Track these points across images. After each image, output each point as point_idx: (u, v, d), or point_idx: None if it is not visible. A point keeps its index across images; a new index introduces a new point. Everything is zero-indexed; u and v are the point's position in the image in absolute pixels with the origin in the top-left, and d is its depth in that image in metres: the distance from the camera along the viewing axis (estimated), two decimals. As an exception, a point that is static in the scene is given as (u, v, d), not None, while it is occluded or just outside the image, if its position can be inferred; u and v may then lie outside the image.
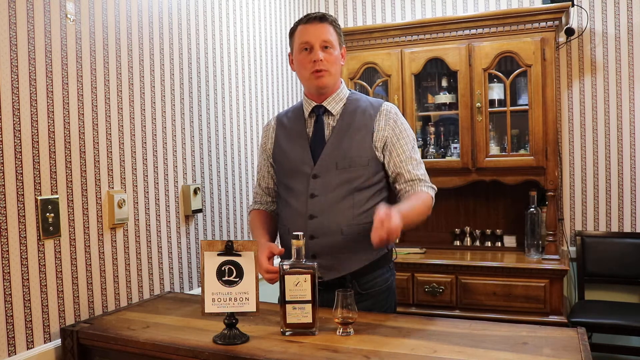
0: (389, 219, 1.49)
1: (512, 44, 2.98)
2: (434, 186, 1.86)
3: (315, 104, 1.85)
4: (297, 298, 1.48)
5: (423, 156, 3.22)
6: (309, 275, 1.48)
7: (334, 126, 1.83)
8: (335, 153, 1.79)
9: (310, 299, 1.48)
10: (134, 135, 2.07)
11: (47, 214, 1.69)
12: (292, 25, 1.89)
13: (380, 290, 1.85)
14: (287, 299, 1.49)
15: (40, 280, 1.68)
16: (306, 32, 1.79)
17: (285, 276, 1.49)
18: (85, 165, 1.85)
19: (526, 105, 3.02)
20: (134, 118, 2.06)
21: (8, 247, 1.59)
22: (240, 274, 1.50)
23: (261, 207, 2.00)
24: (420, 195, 1.79)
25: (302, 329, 1.51)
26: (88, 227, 1.86)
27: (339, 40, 1.84)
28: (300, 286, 1.48)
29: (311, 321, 1.50)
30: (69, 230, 1.78)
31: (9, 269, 1.59)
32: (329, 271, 1.77)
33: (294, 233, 1.54)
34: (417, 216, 1.74)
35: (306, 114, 1.87)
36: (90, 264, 1.86)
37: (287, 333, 1.52)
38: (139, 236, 2.08)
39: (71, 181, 1.80)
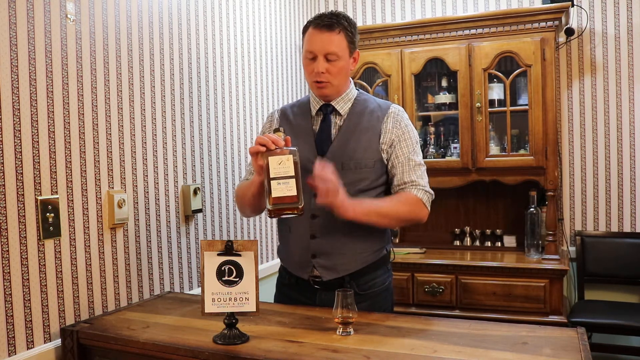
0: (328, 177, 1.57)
1: (512, 44, 2.98)
2: (430, 191, 1.80)
3: (324, 102, 1.83)
4: (281, 174, 1.52)
5: (423, 156, 3.21)
6: (291, 156, 1.54)
7: (340, 126, 1.81)
8: (341, 153, 1.77)
9: (293, 175, 1.52)
10: (134, 135, 2.07)
11: (47, 214, 1.69)
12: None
13: (378, 291, 1.84)
14: (272, 176, 1.52)
15: (40, 280, 1.68)
16: (313, 41, 1.74)
17: (270, 157, 1.53)
18: (85, 165, 1.85)
19: (526, 105, 3.02)
20: (134, 118, 2.06)
21: (8, 247, 1.59)
22: (240, 274, 1.50)
23: None
24: (402, 194, 1.76)
25: (287, 204, 1.52)
26: (88, 227, 1.86)
27: (349, 47, 1.76)
28: (283, 165, 1.52)
29: (295, 194, 1.51)
30: (69, 230, 1.78)
31: (9, 269, 1.59)
32: (328, 271, 1.77)
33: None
34: (386, 212, 1.72)
35: (313, 111, 1.85)
36: (90, 264, 1.86)
37: (273, 213, 1.53)
38: (139, 236, 2.08)
39: (71, 181, 1.80)
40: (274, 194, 1.51)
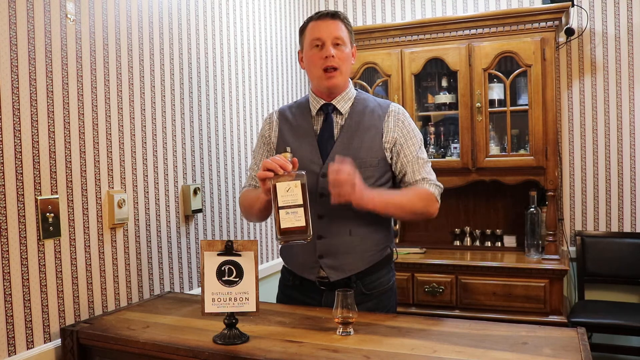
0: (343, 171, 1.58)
1: (512, 44, 2.98)
2: (439, 184, 1.85)
3: (324, 102, 1.83)
4: (290, 203, 1.50)
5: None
6: (299, 182, 1.52)
7: (342, 125, 1.81)
8: (345, 153, 1.76)
9: (301, 203, 1.50)
10: (134, 135, 2.07)
11: (47, 214, 1.69)
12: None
13: (383, 290, 1.85)
14: (280, 205, 1.51)
15: (40, 280, 1.68)
16: (318, 29, 1.77)
17: (277, 184, 1.51)
18: (85, 165, 1.85)
19: (526, 105, 3.02)
20: (134, 118, 2.06)
21: (8, 247, 1.59)
22: (240, 274, 1.50)
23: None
24: (417, 188, 1.80)
25: (296, 233, 1.51)
26: (88, 227, 1.86)
27: (350, 38, 1.82)
28: (291, 192, 1.51)
29: (304, 224, 1.50)
30: (69, 230, 1.78)
31: (9, 269, 1.59)
32: (335, 271, 1.77)
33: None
34: (402, 205, 1.76)
35: (313, 112, 1.84)
36: (90, 264, 1.86)
37: (281, 242, 1.53)
38: (139, 236, 2.08)
39: (71, 181, 1.80)
40: (283, 225, 1.50)
